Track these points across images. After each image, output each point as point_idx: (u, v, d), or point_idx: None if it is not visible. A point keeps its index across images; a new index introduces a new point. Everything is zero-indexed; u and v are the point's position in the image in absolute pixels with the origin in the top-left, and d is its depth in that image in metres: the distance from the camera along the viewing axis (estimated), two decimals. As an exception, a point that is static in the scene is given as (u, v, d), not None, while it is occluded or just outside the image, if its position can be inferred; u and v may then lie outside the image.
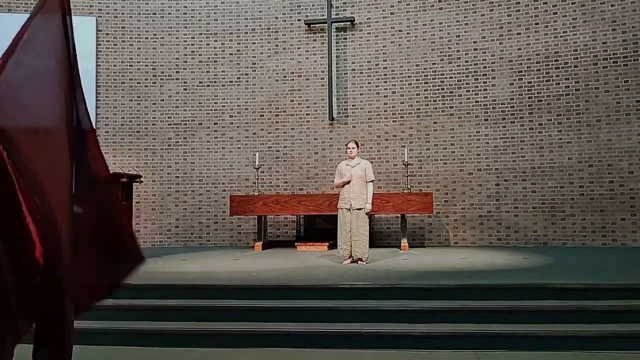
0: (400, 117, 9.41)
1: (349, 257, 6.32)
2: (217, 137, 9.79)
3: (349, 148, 6.51)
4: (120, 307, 4.50)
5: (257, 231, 8.68)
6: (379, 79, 9.55)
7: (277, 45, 9.86)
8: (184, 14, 9.96)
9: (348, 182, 6.32)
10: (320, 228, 9.06)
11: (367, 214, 6.32)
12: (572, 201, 8.61)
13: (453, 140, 9.20)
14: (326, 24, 9.62)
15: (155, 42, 9.91)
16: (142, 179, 7.56)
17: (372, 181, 6.42)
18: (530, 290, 4.49)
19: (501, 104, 9.06)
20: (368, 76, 9.61)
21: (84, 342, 3.98)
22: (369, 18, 9.67)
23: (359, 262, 6.24)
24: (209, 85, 9.87)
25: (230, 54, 9.90)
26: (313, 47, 9.80)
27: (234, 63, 9.88)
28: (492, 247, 8.58)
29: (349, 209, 6.28)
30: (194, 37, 9.94)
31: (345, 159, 6.67)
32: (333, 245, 7.68)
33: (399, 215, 8.35)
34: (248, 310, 4.40)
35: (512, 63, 9.06)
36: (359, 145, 6.70)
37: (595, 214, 8.47)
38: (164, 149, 9.77)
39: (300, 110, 9.73)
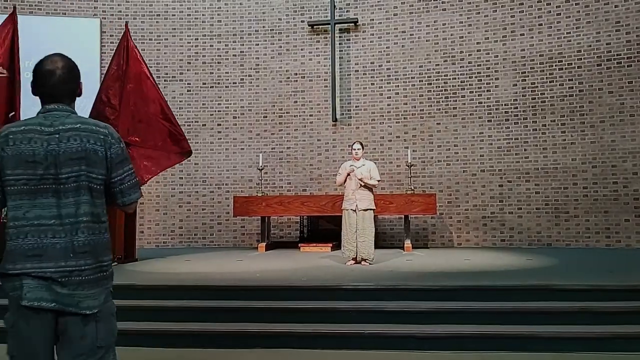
0: (404, 118, 9.41)
1: (353, 258, 6.30)
2: (220, 138, 9.81)
3: (354, 149, 6.49)
4: (122, 307, 4.49)
5: (261, 232, 8.69)
6: (382, 80, 9.55)
7: (281, 47, 9.87)
8: (188, 15, 9.99)
9: (348, 175, 6.30)
10: (324, 229, 9.05)
11: (367, 184, 6.26)
12: (576, 202, 8.59)
13: (456, 141, 9.19)
14: (329, 25, 9.63)
15: (159, 43, 9.94)
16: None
17: (378, 181, 6.44)
18: (534, 292, 4.49)
19: (505, 105, 9.05)
20: (371, 77, 9.61)
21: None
22: (372, 19, 9.68)
23: (364, 262, 6.22)
24: (212, 87, 9.89)
25: (233, 55, 9.92)
26: (316, 49, 9.81)
27: (238, 64, 9.90)
28: (496, 248, 8.57)
29: (354, 210, 6.26)
30: (197, 39, 9.96)
31: (350, 160, 6.65)
32: (337, 246, 7.66)
33: (403, 216, 8.36)
34: (251, 310, 4.41)
35: (515, 64, 9.04)
36: (363, 146, 6.70)
37: (599, 215, 8.44)
38: (168, 150, 9.78)
39: (304, 112, 9.74)
